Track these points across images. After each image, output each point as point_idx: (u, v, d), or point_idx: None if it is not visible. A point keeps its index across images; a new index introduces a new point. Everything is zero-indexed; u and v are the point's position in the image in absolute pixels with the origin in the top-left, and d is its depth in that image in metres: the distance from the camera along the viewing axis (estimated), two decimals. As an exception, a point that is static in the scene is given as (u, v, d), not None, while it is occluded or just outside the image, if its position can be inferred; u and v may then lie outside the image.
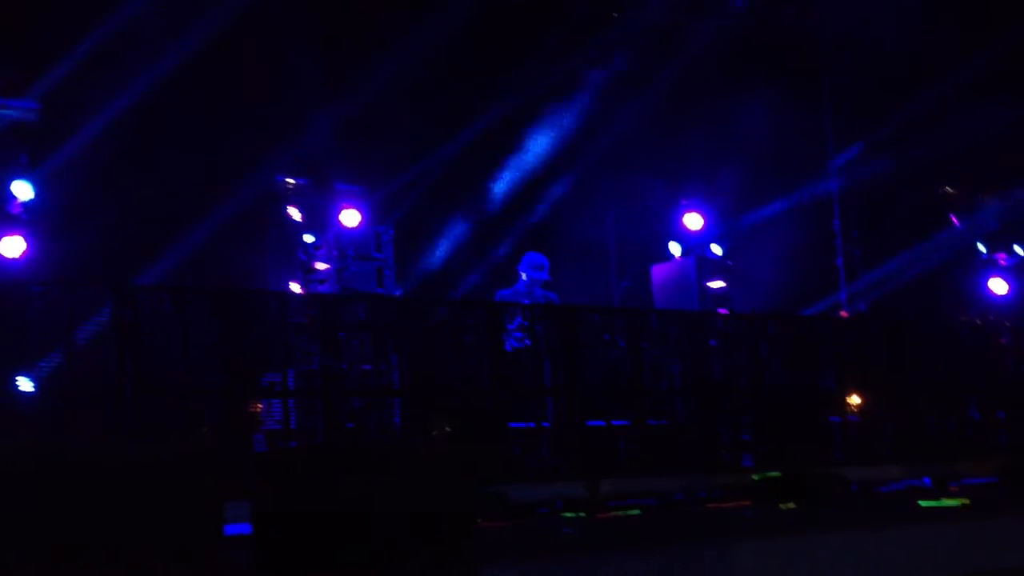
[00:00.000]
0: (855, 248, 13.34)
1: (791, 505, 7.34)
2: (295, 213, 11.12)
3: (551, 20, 11.85)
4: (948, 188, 13.39)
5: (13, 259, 8.42)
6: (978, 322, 11.31)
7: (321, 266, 10.65)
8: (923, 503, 7.72)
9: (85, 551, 4.27)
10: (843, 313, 12.95)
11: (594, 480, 7.77)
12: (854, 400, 9.24)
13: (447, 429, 7.80)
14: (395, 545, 5.03)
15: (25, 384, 6.70)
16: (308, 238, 10.98)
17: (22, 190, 8.68)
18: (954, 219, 13.48)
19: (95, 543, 4.31)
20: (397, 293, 10.86)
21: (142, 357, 6.93)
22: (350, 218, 11.06)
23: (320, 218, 11.13)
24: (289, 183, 11.32)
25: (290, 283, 10.77)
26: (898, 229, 13.39)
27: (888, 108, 12.95)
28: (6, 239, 8.43)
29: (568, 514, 7.27)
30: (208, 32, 10.29)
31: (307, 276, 10.70)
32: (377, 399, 8.15)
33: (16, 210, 8.55)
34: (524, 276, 9.82)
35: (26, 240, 8.57)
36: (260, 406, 7.51)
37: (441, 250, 11.78)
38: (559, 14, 11.89)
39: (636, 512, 7.40)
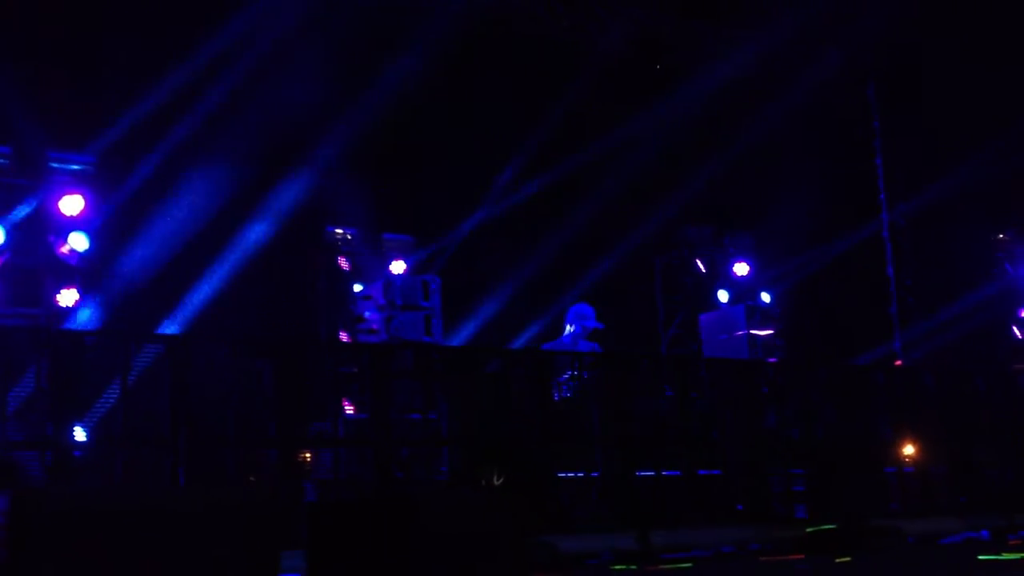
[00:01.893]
0: (909, 296, 13.20)
1: (847, 559, 7.20)
2: (344, 263, 11.24)
3: (599, 74, 11.96)
4: (1001, 235, 13.23)
5: (68, 309, 8.55)
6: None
7: (370, 316, 10.72)
8: (982, 556, 7.54)
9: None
10: (898, 362, 12.79)
11: (644, 531, 7.69)
12: (909, 450, 9.09)
13: (496, 479, 7.76)
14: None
15: (79, 434, 6.78)
16: (357, 288, 11.08)
17: (78, 242, 8.83)
18: (1007, 266, 13.30)
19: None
20: (452, 342, 10.90)
21: (195, 407, 6.99)
22: (398, 268, 11.18)
23: (368, 268, 11.23)
24: (338, 234, 11.45)
25: (339, 333, 10.85)
26: (952, 276, 13.24)
27: (941, 155, 12.86)
28: (64, 290, 8.57)
29: (619, 566, 7.18)
30: (257, 87, 10.49)
31: (356, 326, 10.77)
32: (425, 448, 8.15)
33: (72, 261, 8.69)
34: (569, 328, 9.80)
35: (80, 291, 8.71)
36: (309, 455, 7.54)
37: (488, 300, 11.81)
38: (606, 64, 11.99)
39: (688, 565, 7.30)
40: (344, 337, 10.76)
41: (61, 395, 6.68)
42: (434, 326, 10.71)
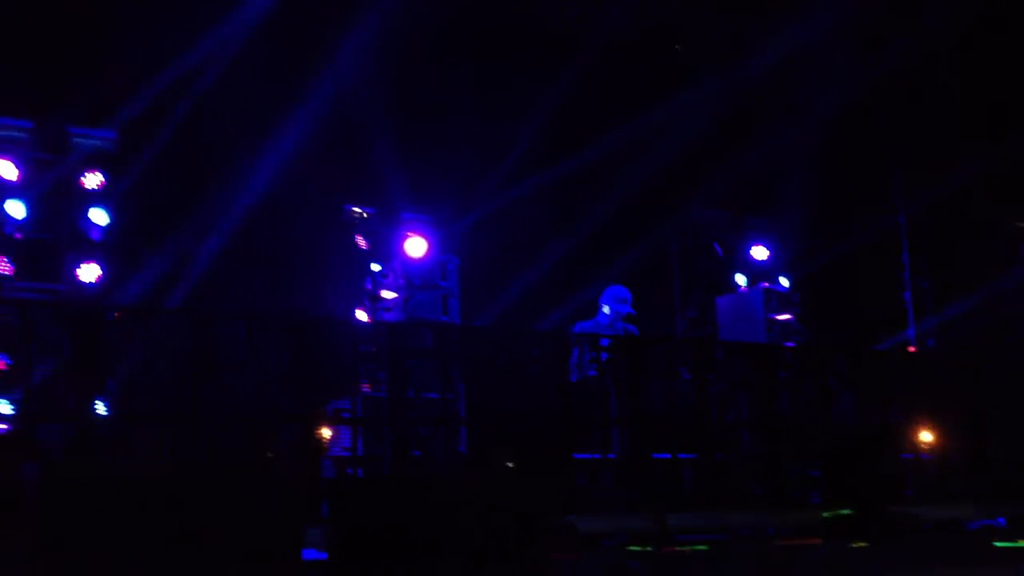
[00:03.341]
0: (924, 282, 13.15)
1: (862, 544, 7.21)
2: (362, 242, 11.23)
3: (621, 58, 11.93)
4: (1020, 222, 13.15)
5: (90, 284, 8.59)
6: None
7: (387, 295, 10.72)
8: (998, 543, 7.54)
9: (164, 574, 4.33)
10: (911, 348, 12.75)
11: (660, 513, 7.71)
12: (926, 437, 9.08)
13: (512, 459, 7.79)
14: (464, 573, 5.03)
15: (100, 407, 6.83)
16: (375, 267, 11.08)
17: (99, 217, 8.86)
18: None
19: (175, 567, 4.37)
20: (469, 322, 10.90)
21: (215, 383, 7.03)
22: (416, 247, 11.15)
23: (386, 247, 11.22)
24: (356, 212, 11.44)
25: (356, 311, 10.86)
26: (968, 263, 13.18)
27: (958, 141, 12.79)
28: (85, 265, 8.60)
29: (635, 547, 7.21)
30: (276, 61, 10.49)
31: (373, 304, 10.78)
32: (443, 427, 8.19)
33: (94, 236, 8.72)
34: (606, 309, 9.76)
35: (102, 266, 8.74)
36: (329, 433, 7.58)
37: (506, 280, 11.81)
38: (627, 49, 11.96)
39: (704, 547, 7.33)
40: (362, 316, 10.77)
41: (82, 370, 6.72)
42: (451, 306, 10.71)
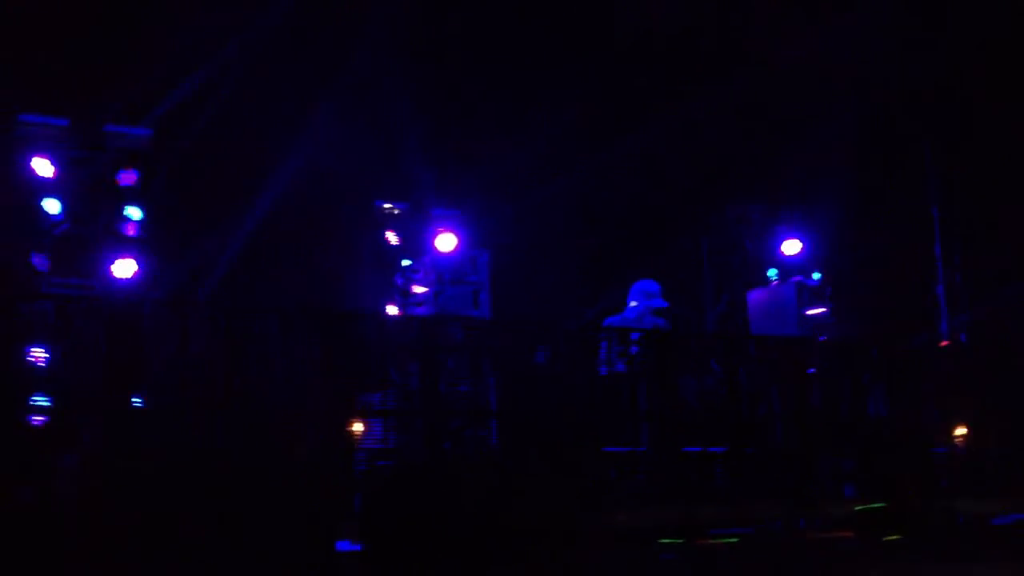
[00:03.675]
0: (956, 274, 13.03)
1: (895, 537, 7.18)
2: (392, 237, 11.30)
3: (654, 52, 11.91)
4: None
5: (125, 280, 8.69)
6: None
7: (418, 289, 10.79)
8: (1033, 538, 7.49)
9: (202, 564, 4.39)
10: (943, 342, 12.65)
11: (691, 506, 7.71)
12: (960, 430, 9.02)
13: (543, 452, 7.81)
14: (495, 564, 5.06)
15: (135, 402, 6.89)
16: (405, 262, 11.14)
17: (133, 213, 8.96)
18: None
19: (211, 558, 4.43)
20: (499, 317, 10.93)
21: (248, 377, 7.09)
22: (446, 242, 11.21)
23: (417, 242, 11.29)
24: (386, 208, 11.51)
25: (387, 306, 10.93)
26: (1001, 255, 13.05)
27: (993, 135, 12.68)
28: (119, 261, 8.70)
29: (666, 540, 7.21)
30: (308, 58, 10.56)
31: (404, 299, 10.84)
32: (474, 420, 8.21)
33: (129, 232, 8.82)
34: (634, 303, 9.69)
35: (137, 262, 8.84)
36: (360, 426, 7.62)
37: (537, 274, 11.83)
38: (660, 42, 11.94)
39: (734, 540, 7.32)
40: (393, 311, 10.83)
41: (118, 364, 6.80)
42: (482, 300, 10.76)
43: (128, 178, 8.93)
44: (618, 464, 8.30)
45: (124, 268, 8.71)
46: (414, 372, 8.16)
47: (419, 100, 11.26)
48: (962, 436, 9.06)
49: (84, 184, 8.89)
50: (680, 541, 7.13)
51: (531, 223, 11.84)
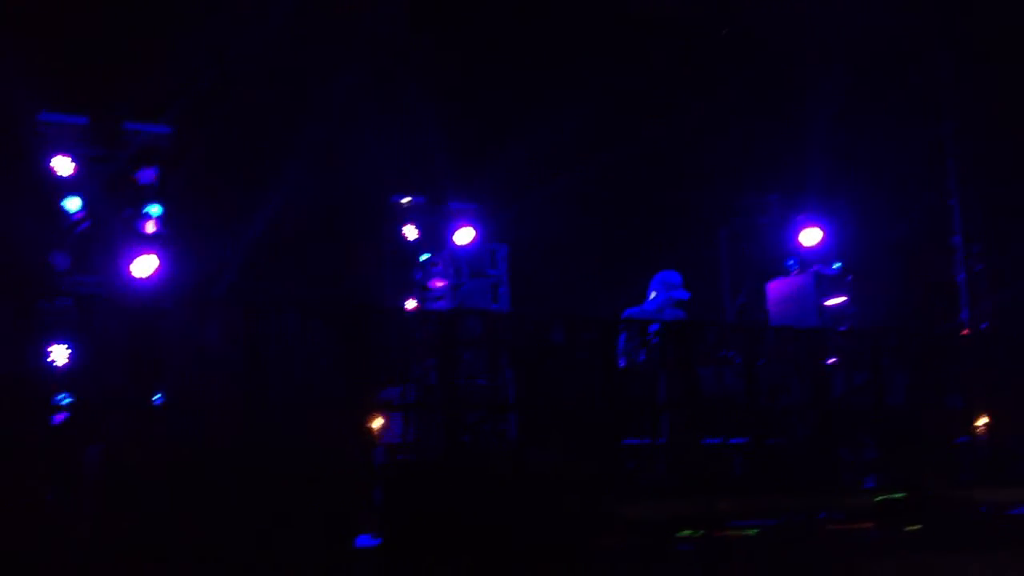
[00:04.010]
0: (977, 264, 12.95)
1: (916, 527, 7.16)
2: (411, 231, 11.33)
3: (669, 42, 11.87)
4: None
5: (146, 278, 8.75)
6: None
7: (437, 283, 10.82)
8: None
9: (220, 559, 4.43)
10: (964, 331, 12.58)
11: (711, 498, 7.71)
12: (982, 420, 8.97)
13: (563, 444, 7.82)
14: (514, 558, 5.08)
15: (155, 398, 6.94)
16: (424, 256, 11.17)
17: (153, 211, 9.02)
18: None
19: (230, 555, 4.47)
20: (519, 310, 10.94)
21: (268, 373, 7.12)
22: (465, 236, 11.24)
23: (436, 236, 11.32)
24: (405, 202, 11.54)
25: (406, 301, 10.96)
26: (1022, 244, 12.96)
27: (1013, 122, 12.57)
28: (139, 259, 8.76)
29: (685, 532, 7.22)
30: (327, 55, 10.58)
31: (423, 294, 10.88)
32: (493, 413, 8.24)
33: (149, 230, 8.88)
34: (653, 295, 9.67)
35: (157, 259, 8.89)
36: (381, 420, 7.66)
37: (556, 268, 11.83)
38: (675, 32, 11.90)
39: (754, 532, 7.31)
40: (412, 305, 10.87)
41: (139, 360, 6.85)
42: (501, 294, 10.78)
43: (148, 176, 8.98)
44: (637, 456, 8.31)
45: (144, 266, 8.77)
46: (433, 366, 8.20)
47: (437, 93, 11.27)
48: (984, 426, 9.01)
49: (104, 182, 8.95)
50: (699, 533, 7.13)
51: (549, 216, 11.83)
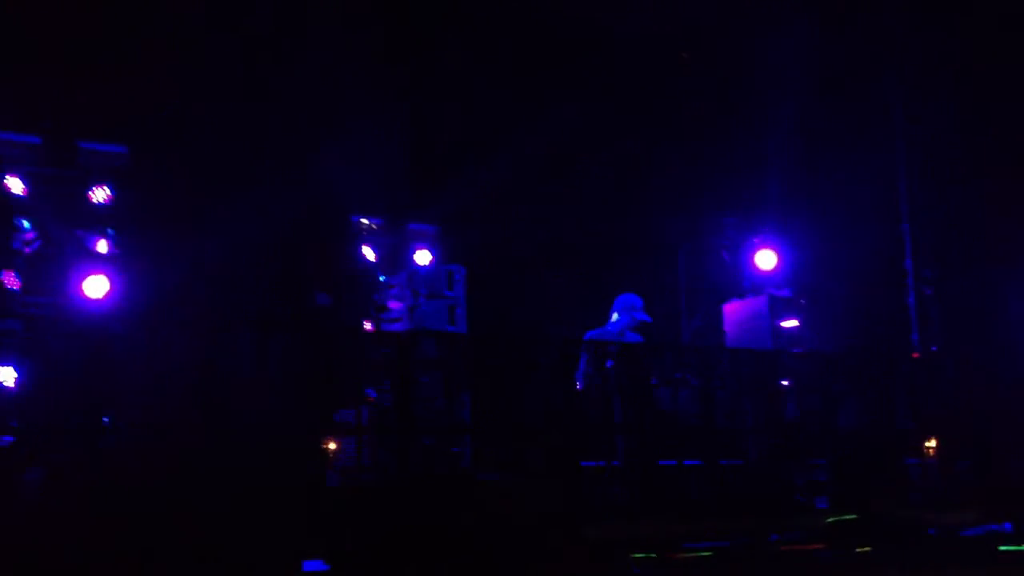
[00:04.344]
0: (927, 287, 13.11)
1: (867, 548, 7.22)
2: (369, 253, 11.32)
3: (625, 63, 11.96)
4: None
5: (98, 298, 8.67)
6: (1059, 362, 11.05)
7: (394, 305, 10.80)
8: (1003, 548, 7.54)
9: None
10: (915, 354, 12.72)
11: (665, 520, 7.73)
12: (931, 442, 9.08)
13: (520, 466, 7.82)
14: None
15: (104, 421, 6.86)
16: (381, 277, 11.16)
17: (107, 231, 8.95)
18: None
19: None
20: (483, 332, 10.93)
21: (221, 394, 7.07)
22: (423, 257, 11.26)
23: (394, 258, 11.32)
24: (364, 223, 11.53)
25: (364, 322, 10.94)
26: (975, 268, 13.15)
27: (964, 146, 12.79)
28: (91, 279, 8.68)
29: (639, 554, 7.23)
30: (286, 75, 10.57)
31: (380, 315, 10.86)
32: (448, 436, 8.21)
33: (101, 250, 8.81)
34: (615, 317, 9.77)
35: (110, 280, 8.82)
36: (335, 443, 7.62)
37: (513, 290, 11.85)
38: (632, 52, 11.99)
39: (708, 553, 7.34)
40: (368, 326, 10.84)
41: (89, 383, 6.78)
42: (458, 315, 10.77)
43: (101, 195, 8.91)
44: (593, 478, 8.32)
45: (96, 286, 8.69)
46: (389, 388, 8.16)
47: (397, 115, 11.28)
48: (933, 447, 9.12)
49: (57, 202, 8.87)
50: (653, 555, 7.15)
51: (507, 238, 11.86)
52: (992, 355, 11.36)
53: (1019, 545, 7.58)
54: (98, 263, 8.76)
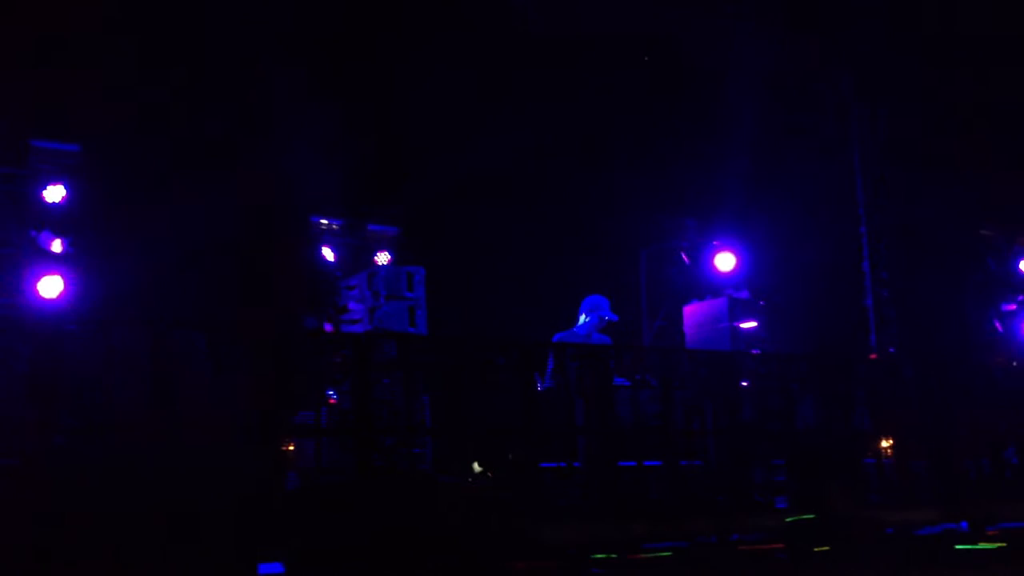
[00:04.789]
0: (883, 290, 13.25)
1: (825, 548, 7.26)
2: (329, 254, 11.24)
3: (585, 65, 11.98)
4: (985, 231, 13.30)
5: (51, 299, 8.54)
6: (1014, 364, 11.19)
7: (354, 306, 10.74)
8: (959, 547, 7.61)
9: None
10: (872, 356, 12.85)
11: (625, 521, 7.73)
12: (889, 442, 9.15)
13: (478, 468, 7.79)
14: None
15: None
16: (341, 278, 11.10)
17: (60, 231, 8.82)
18: (991, 261, 13.37)
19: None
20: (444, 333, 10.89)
21: (176, 395, 6.97)
22: (383, 259, 11.21)
23: (353, 259, 11.26)
24: (323, 224, 11.46)
25: (323, 323, 10.86)
26: (931, 271, 13.30)
27: (924, 147, 12.93)
28: (45, 279, 8.55)
29: (599, 555, 7.22)
30: (243, 73, 10.48)
31: (340, 316, 10.79)
32: (408, 437, 8.16)
33: (55, 250, 8.68)
34: (583, 319, 9.79)
35: (63, 280, 8.69)
36: (292, 445, 7.54)
37: (474, 291, 11.83)
38: (592, 55, 12.02)
39: (668, 554, 7.35)
40: (328, 328, 10.76)
41: (41, 383, 6.66)
42: (418, 317, 10.73)
43: (54, 194, 8.78)
44: (553, 479, 8.30)
45: (50, 286, 8.56)
46: (348, 390, 8.10)
47: (358, 115, 11.22)
48: (890, 447, 9.19)
49: (8, 201, 8.73)
50: (613, 556, 7.14)
51: (467, 240, 11.84)
52: (949, 356, 11.50)
53: (975, 544, 7.65)
54: (52, 263, 8.63)
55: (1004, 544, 7.60)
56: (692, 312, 11.84)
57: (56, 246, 8.67)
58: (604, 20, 12.18)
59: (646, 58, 12.82)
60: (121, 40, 9.67)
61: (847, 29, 12.56)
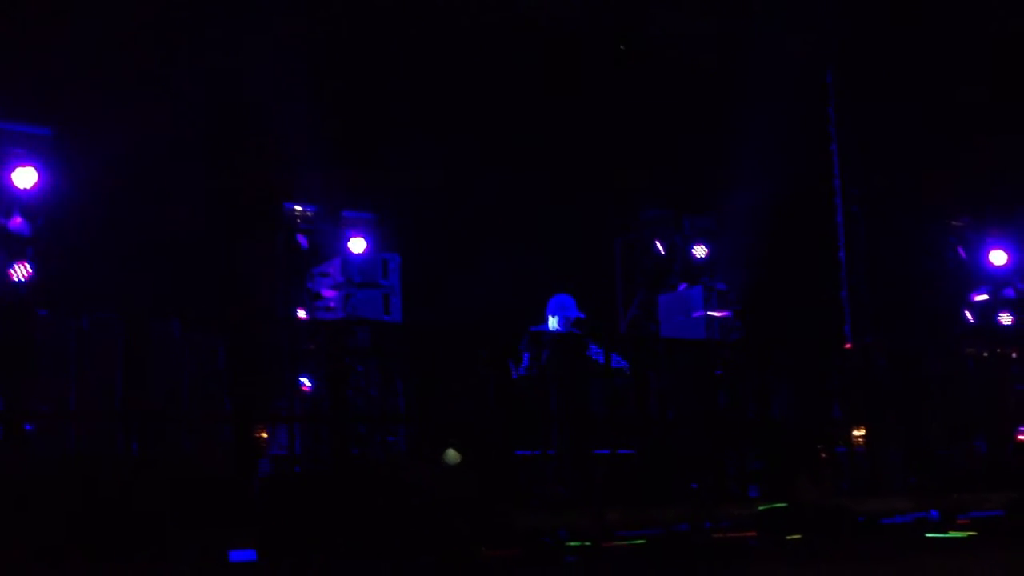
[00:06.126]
0: (860, 280, 13.32)
1: (796, 536, 7.30)
2: (303, 240, 11.17)
3: (563, 54, 11.97)
4: (956, 221, 13.38)
5: (20, 283, 8.44)
6: (985, 354, 11.27)
7: (328, 293, 10.67)
8: (930, 535, 7.67)
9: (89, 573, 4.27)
10: (847, 345, 12.92)
11: (599, 509, 7.74)
12: (861, 431, 9.21)
13: (453, 456, 7.78)
14: (402, 569, 5.02)
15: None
16: (315, 265, 11.02)
17: (30, 215, 8.71)
18: (961, 252, 13.45)
19: (101, 569, 4.31)
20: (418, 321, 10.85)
21: (149, 383, 6.94)
22: (357, 246, 11.13)
23: (328, 245, 11.18)
24: (297, 211, 11.38)
25: (297, 310, 10.80)
26: (905, 261, 13.38)
27: (897, 141, 12.99)
28: (15, 266, 8.44)
29: (573, 543, 7.23)
30: (219, 57, 10.40)
31: (314, 303, 10.73)
32: (383, 425, 8.16)
33: (25, 235, 8.57)
34: (554, 319, 9.84)
35: (32, 265, 8.59)
36: (265, 432, 7.52)
37: (449, 279, 11.78)
38: (569, 44, 12.00)
39: (641, 541, 7.36)
40: (302, 315, 10.70)
41: (12, 369, 6.61)
42: (393, 304, 10.67)
43: (24, 179, 8.67)
44: (528, 467, 8.32)
45: (20, 272, 8.46)
46: (323, 377, 8.08)
47: (333, 101, 11.15)
48: (863, 436, 9.25)
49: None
50: (587, 544, 7.15)
51: (443, 227, 11.79)
52: (922, 347, 11.57)
53: (946, 532, 7.72)
54: (22, 247, 8.53)
55: (974, 533, 7.66)
56: (667, 302, 11.87)
57: (27, 231, 8.56)
58: (578, 9, 12.18)
59: (620, 47, 12.81)
60: (94, 23, 9.56)
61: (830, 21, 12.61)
